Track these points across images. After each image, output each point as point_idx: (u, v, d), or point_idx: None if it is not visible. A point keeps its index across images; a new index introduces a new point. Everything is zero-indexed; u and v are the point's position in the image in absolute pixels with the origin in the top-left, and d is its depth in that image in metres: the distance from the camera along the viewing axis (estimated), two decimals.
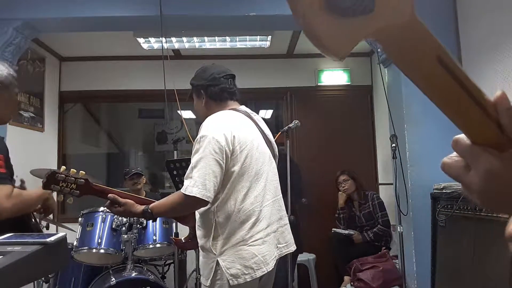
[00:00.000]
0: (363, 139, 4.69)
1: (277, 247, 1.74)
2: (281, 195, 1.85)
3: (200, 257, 1.73)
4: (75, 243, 2.88)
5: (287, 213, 2.22)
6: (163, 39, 3.22)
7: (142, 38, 3.93)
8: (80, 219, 3.00)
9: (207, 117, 1.74)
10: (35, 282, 2.75)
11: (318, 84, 4.74)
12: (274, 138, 1.95)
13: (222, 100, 1.82)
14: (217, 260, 1.62)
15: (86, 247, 2.85)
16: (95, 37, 4.07)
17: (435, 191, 2.85)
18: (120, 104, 5.22)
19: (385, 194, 4.23)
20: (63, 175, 1.62)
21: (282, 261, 2.08)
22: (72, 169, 1.66)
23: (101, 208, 2.98)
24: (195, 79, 1.88)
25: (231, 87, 1.84)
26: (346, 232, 3.89)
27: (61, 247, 1.04)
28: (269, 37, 4.07)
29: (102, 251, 2.87)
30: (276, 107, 5.18)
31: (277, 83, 4.73)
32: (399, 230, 3.08)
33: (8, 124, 3.04)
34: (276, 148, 1.92)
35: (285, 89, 4.75)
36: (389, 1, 0.36)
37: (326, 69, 4.74)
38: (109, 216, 2.98)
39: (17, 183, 1.83)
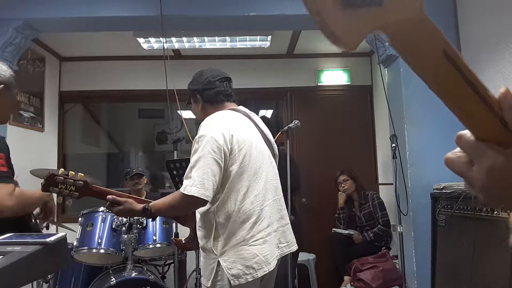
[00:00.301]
0: (363, 139, 4.68)
1: (278, 246, 1.73)
2: (281, 195, 1.85)
3: (201, 258, 1.73)
4: (75, 243, 2.88)
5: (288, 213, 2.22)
6: (163, 39, 3.22)
7: (142, 38, 3.93)
8: (80, 219, 3.00)
9: None
10: (35, 282, 2.75)
11: (318, 84, 4.73)
12: (274, 138, 1.95)
13: (218, 102, 1.83)
14: (218, 261, 1.62)
15: (86, 247, 2.86)
16: (95, 37, 4.07)
17: (435, 191, 2.85)
18: (120, 104, 5.21)
19: (385, 194, 4.22)
20: (62, 177, 1.62)
21: (283, 260, 2.08)
22: (70, 171, 1.67)
23: (101, 208, 2.99)
24: (191, 83, 1.89)
25: (226, 89, 1.85)
26: (346, 232, 3.89)
27: (61, 247, 1.03)
28: (269, 37, 4.07)
29: (102, 251, 2.87)
30: (276, 107, 5.17)
31: (277, 83, 4.73)
32: (399, 230, 3.08)
33: (8, 124, 3.04)
34: (276, 147, 1.92)
35: (285, 89, 4.75)
36: None
37: (326, 69, 4.74)
38: (109, 216, 2.98)
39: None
